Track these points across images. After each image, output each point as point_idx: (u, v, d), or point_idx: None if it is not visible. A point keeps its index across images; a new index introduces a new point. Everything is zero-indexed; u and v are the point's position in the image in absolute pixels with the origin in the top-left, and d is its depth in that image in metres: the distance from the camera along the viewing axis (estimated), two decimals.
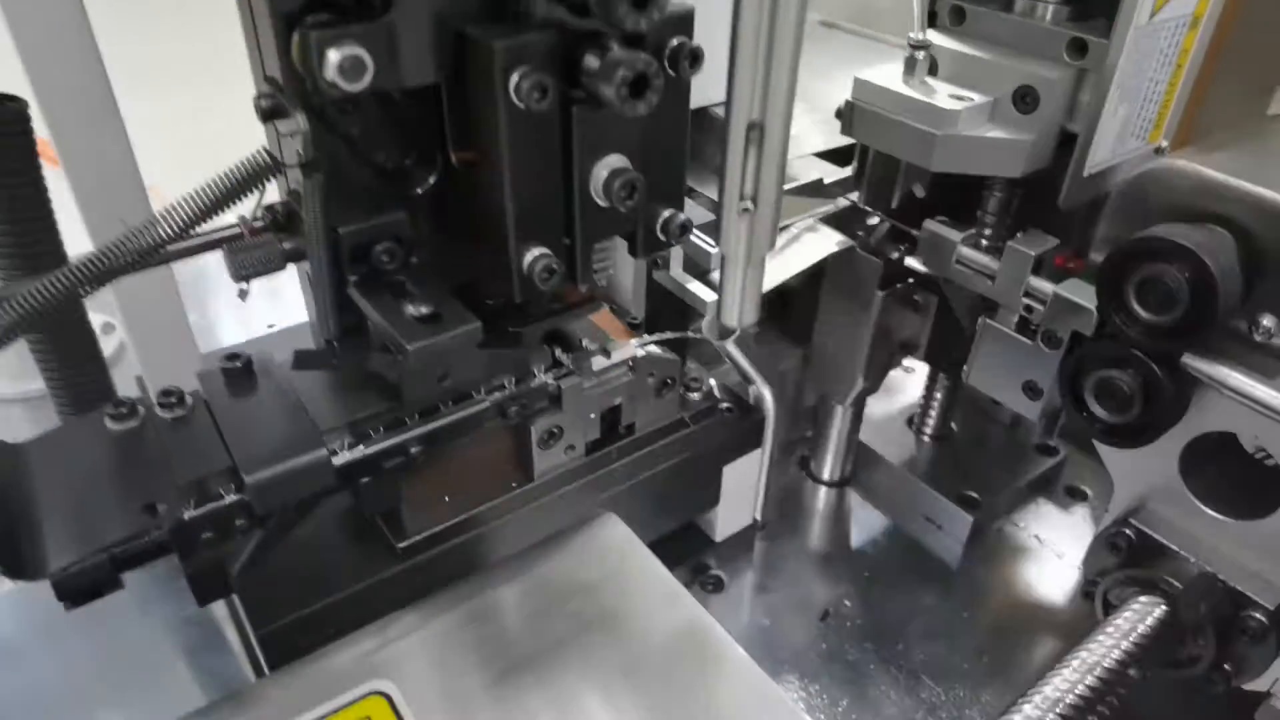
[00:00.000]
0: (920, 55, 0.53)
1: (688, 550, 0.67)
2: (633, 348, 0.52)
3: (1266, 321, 0.45)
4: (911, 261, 0.60)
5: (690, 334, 0.56)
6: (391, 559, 0.48)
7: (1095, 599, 0.56)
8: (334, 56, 0.35)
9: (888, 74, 0.54)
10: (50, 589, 0.61)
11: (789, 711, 0.39)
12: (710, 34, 0.40)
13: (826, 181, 0.63)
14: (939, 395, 0.73)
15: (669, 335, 0.53)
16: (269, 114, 0.40)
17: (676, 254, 0.58)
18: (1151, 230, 0.46)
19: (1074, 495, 0.74)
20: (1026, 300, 0.54)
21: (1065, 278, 0.53)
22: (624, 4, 0.34)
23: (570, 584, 0.43)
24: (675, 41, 0.39)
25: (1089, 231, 0.54)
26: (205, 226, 0.43)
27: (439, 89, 0.41)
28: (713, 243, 0.56)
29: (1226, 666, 0.52)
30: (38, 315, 0.42)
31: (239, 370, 0.46)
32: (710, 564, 0.66)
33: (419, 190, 0.44)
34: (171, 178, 0.68)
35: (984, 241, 0.57)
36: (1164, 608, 0.51)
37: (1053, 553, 0.69)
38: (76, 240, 0.53)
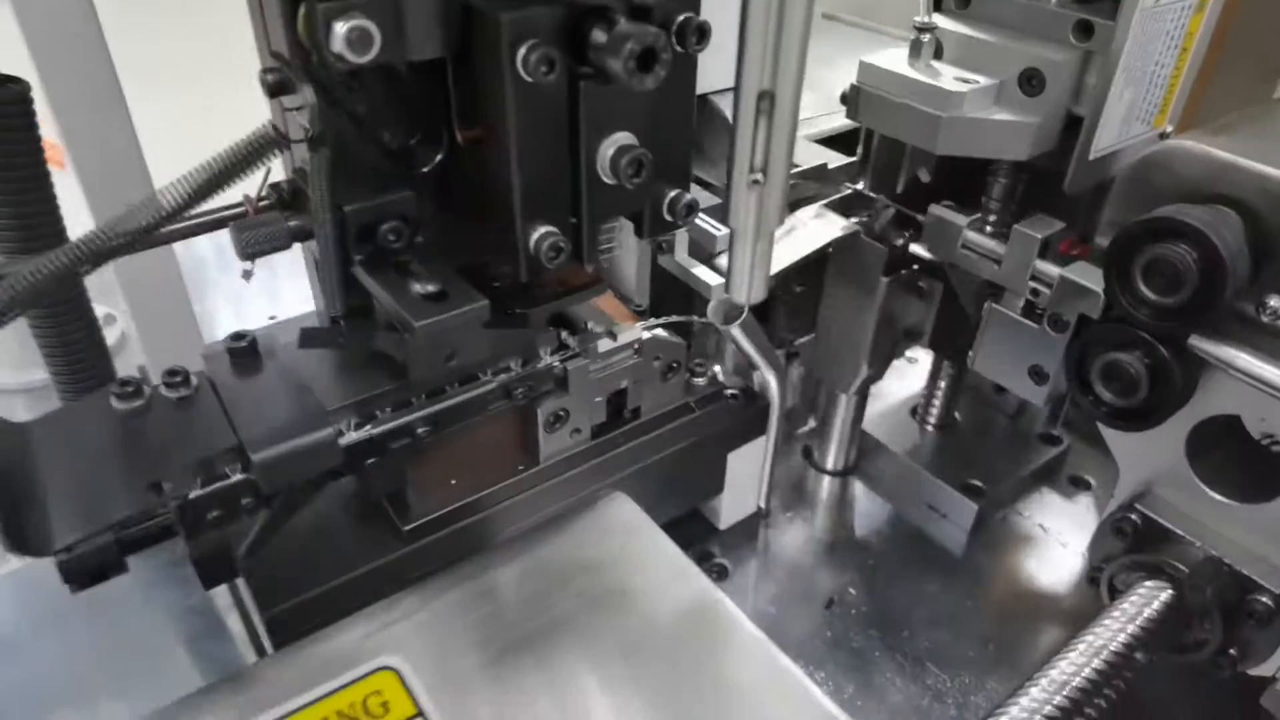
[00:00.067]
0: (925, 38, 0.53)
1: (692, 538, 0.67)
2: (638, 330, 0.52)
3: (1274, 302, 0.45)
4: (916, 248, 0.60)
5: (695, 319, 0.56)
6: (397, 541, 0.48)
7: (1101, 584, 0.56)
8: (341, 28, 0.35)
9: (893, 58, 0.54)
10: (50, 577, 0.61)
11: (801, 685, 0.39)
12: (710, 16, 0.40)
13: (831, 167, 0.62)
14: (943, 384, 0.73)
15: (675, 319, 0.53)
16: (275, 89, 0.40)
17: (681, 239, 0.58)
18: (1160, 211, 0.46)
19: (1078, 485, 0.74)
20: (1032, 284, 0.54)
21: (1071, 262, 0.53)
22: None
23: (581, 561, 0.43)
24: (682, 17, 0.39)
25: (1094, 216, 0.54)
26: (210, 205, 0.43)
27: (444, 67, 0.41)
28: (718, 225, 0.56)
29: (1232, 651, 0.52)
30: (40, 291, 0.42)
31: (244, 350, 0.46)
32: (715, 552, 0.66)
33: (424, 169, 0.44)
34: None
35: (989, 227, 0.57)
36: (1170, 592, 0.51)
37: (1057, 541, 0.69)
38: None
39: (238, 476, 0.42)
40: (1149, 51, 0.51)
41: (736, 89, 0.33)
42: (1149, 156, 0.48)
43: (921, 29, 0.52)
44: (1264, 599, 0.50)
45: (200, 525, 0.42)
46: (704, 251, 0.58)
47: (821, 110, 0.70)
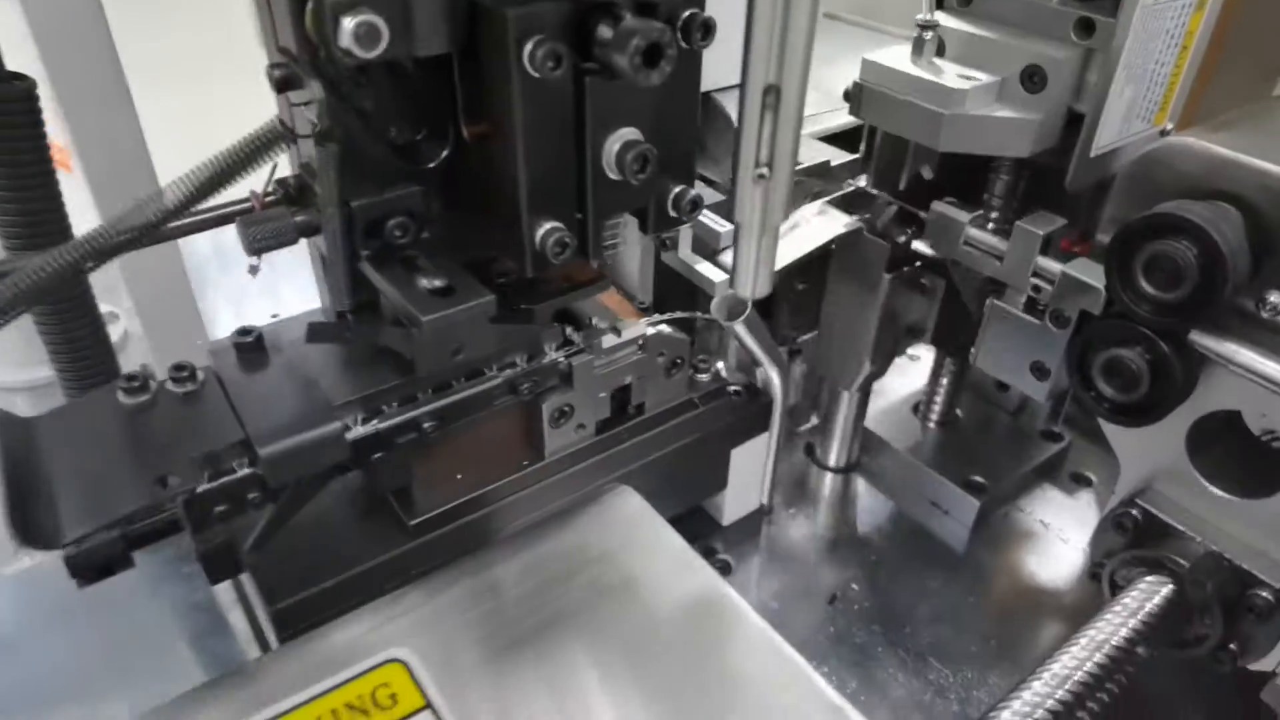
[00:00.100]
0: (928, 36, 0.53)
1: (695, 534, 0.67)
2: (642, 326, 0.52)
3: (1274, 298, 0.46)
4: (919, 245, 0.60)
5: (699, 315, 0.56)
6: (403, 536, 0.48)
7: (1102, 580, 0.56)
8: (349, 23, 0.35)
9: (896, 55, 0.54)
10: (55, 575, 0.61)
11: (805, 675, 0.39)
12: (712, 12, 0.40)
13: (834, 164, 0.63)
14: (944, 381, 0.73)
15: (679, 315, 0.53)
16: (282, 84, 0.40)
17: (685, 236, 0.58)
18: (1160, 207, 0.46)
19: (1079, 481, 0.75)
20: (1034, 280, 0.54)
21: (1072, 258, 0.54)
22: None
23: (587, 553, 0.43)
24: (687, 13, 0.39)
25: (1095, 213, 0.54)
26: (216, 201, 0.43)
27: (450, 62, 0.41)
28: (722, 221, 0.56)
29: (1232, 646, 0.52)
30: (46, 288, 0.42)
31: (250, 345, 0.46)
32: (718, 548, 0.66)
33: (431, 164, 0.44)
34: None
35: (991, 223, 0.57)
36: (1171, 587, 0.51)
37: (1058, 537, 0.69)
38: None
39: (244, 471, 0.42)
40: (1150, 49, 0.51)
41: (742, 84, 0.33)
42: (1150, 153, 0.49)
43: (924, 26, 0.53)
44: (1264, 594, 0.50)
45: (207, 520, 0.42)
46: (707, 248, 0.58)
47: (823, 108, 0.70)
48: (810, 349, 0.72)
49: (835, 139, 0.68)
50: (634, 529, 0.45)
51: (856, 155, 0.63)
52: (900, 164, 0.60)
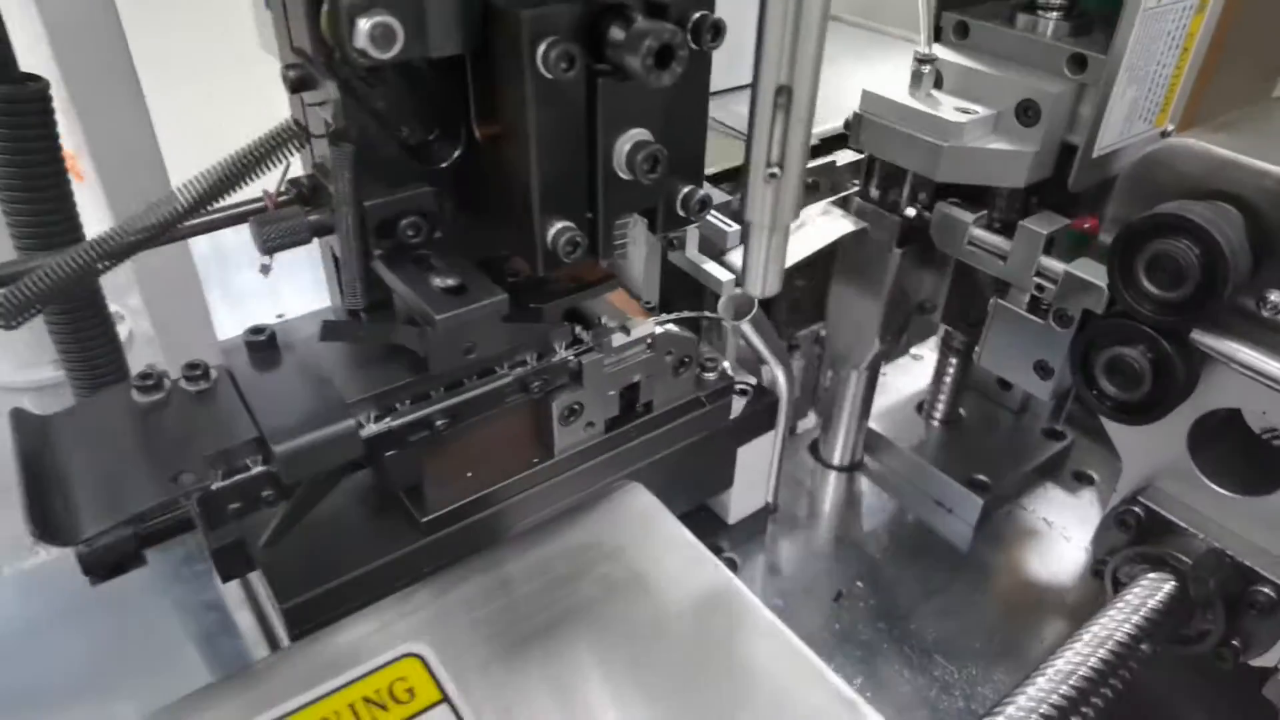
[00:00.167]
0: (926, 69, 0.54)
1: (701, 532, 0.67)
2: (651, 325, 0.52)
3: (1274, 297, 0.46)
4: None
5: (706, 315, 0.57)
6: (415, 533, 0.49)
7: (1105, 577, 0.57)
8: (364, 25, 0.35)
9: (894, 87, 0.55)
10: (56, 575, 0.61)
11: (815, 668, 0.40)
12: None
13: (839, 164, 0.63)
14: (948, 381, 0.74)
15: (686, 314, 0.54)
16: (296, 85, 0.41)
17: (692, 236, 0.58)
18: (1162, 207, 0.47)
19: (1081, 480, 0.75)
20: (1038, 279, 0.55)
21: (1078, 249, 0.54)
22: None
23: (600, 548, 0.43)
24: (698, 14, 0.40)
25: (1098, 213, 0.55)
26: (229, 200, 0.44)
27: (463, 63, 0.42)
28: (729, 221, 0.56)
29: (1235, 642, 0.53)
30: (60, 289, 0.42)
31: (263, 343, 0.46)
32: (723, 546, 0.67)
33: (443, 164, 0.44)
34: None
35: (995, 223, 0.58)
36: (1173, 583, 0.51)
37: (1060, 535, 0.70)
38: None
39: (258, 468, 0.42)
40: (1151, 51, 0.52)
41: (755, 84, 0.34)
42: (1151, 154, 0.49)
43: (922, 60, 0.54)
44: (1266, 590, 0.51)
45: (220, 517, 0.42)
46: (715, 248, 0.59)
47: (823, 109, 0.71)
48: (808, 345, 0.72)
49: (837, 140, 0.68)
50: (645, 525, 0.45)
51: (861, 154, 0.64)
52: (900, 187, 0.60)
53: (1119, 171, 0.53)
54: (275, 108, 0.46)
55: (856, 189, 0.63)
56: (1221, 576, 0.52)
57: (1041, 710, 0.43)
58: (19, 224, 0.48)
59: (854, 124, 0.58)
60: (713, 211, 0.53)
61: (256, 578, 0.50)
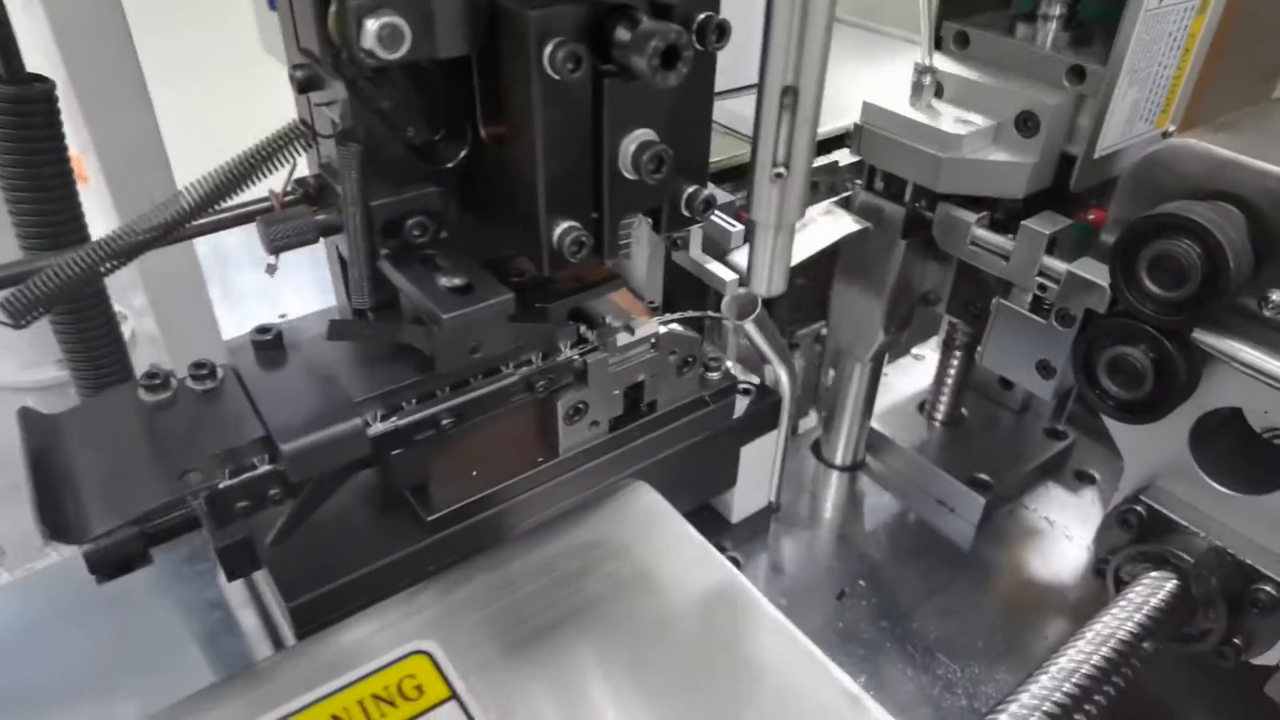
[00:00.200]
0: (926, 80, 0.54)
1: (704, 532, 0.67)
2: (655, 325, 0.52)
3: (1275, 297, 0.46)
4: None
5: (710, 314, 0.57)
6: (420, 532, 0.49)
7: (1107, 576, 0.57)
8: (372, 25, 0.35)
9: (895, 97, 0.56)
10: (60, 576, 0.61)
11: (821, 664, 0.40)
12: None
13: (841, 164, 0.64)
14: (950, 380, 0.74)
15: (690, 314, 0.54)
16: (304, 85, 0.41)
17: (695, 236, 0.59)
18: (1164, 207, 0.47)
19: (1082, 479, 0.75)
20: (1040, 279, 0.55)
21: (1085, 240, 0.54)
22: None
23: (606, 546, 0.44)
24: (703, 15, 0.40)
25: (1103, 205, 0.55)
26: (235, 200, 0.44)
27: (469, 64, 0.42)
28: (733, 221, 0.57)
29: (1237, 641, 0.53)
30: (66, 289, 0.42)
31: (269, 343, 0.46)
32: (726, 545, 0.67)
33: (449, 164, 0.44)
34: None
35: (997, 224, 0.58)
36: (1175, 582, 0.52)
37: (1062, 534, 0.70)
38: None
39: (265, 467, 0.42)
40: (1152, 52, 0.52)
41: (760, 84, 0.34)
42: (1153, 155, 0.50)
43: (923, 71, 0.54)
44: (1268, 588, 0.51)
45: (227, 516, 0.43)
46: (718, 247, 0.59)
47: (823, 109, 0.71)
48: (809, 344, 0.73)
49: (838, 140, 0.68)
50: (650, 523, 0.45)
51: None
52: (901, 194, 0.60)
53: (1121, 172, 0.53)
54: (282, 107, 0.46)
55: (860, 186, 0.63)
56: (1223, 575, 0.52)
57: (1044, 708, 0.43)
58: (25, 224, 0.48)
59: (854, 134, 0.58)
60: (716, 211, 0.54)
61: (261, 576, 0.50)
